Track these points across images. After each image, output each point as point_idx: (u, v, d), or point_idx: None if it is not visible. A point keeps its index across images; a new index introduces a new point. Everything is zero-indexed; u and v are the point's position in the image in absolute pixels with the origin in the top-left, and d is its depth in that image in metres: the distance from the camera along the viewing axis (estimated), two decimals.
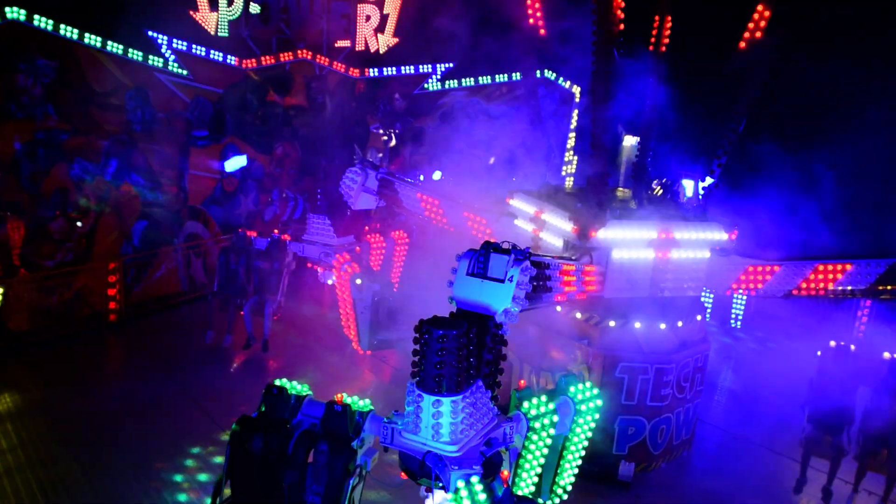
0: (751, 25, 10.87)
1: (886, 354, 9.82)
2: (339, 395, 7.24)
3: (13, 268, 13.69)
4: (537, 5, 11.27)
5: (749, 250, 11.26)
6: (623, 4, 10.01)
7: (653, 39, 11.94)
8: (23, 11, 13.15)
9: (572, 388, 7.58)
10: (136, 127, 15.50)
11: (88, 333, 14.58)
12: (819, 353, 10.23)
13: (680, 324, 10.42)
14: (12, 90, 13.30)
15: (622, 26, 10.07)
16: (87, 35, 14.22)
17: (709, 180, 11.28)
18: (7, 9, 12.93)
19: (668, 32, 11.34)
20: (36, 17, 13.37)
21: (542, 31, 11.40)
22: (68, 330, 14.38)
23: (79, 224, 14.64)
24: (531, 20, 11.37)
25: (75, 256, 14.70)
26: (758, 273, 10.92)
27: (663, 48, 11.20)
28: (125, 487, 9.59)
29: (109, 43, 14.65)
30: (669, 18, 11.32)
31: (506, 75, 22.35)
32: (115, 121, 15.08)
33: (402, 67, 21.10)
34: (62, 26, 13.81)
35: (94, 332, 14.65)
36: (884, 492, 9.92)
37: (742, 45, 10.95)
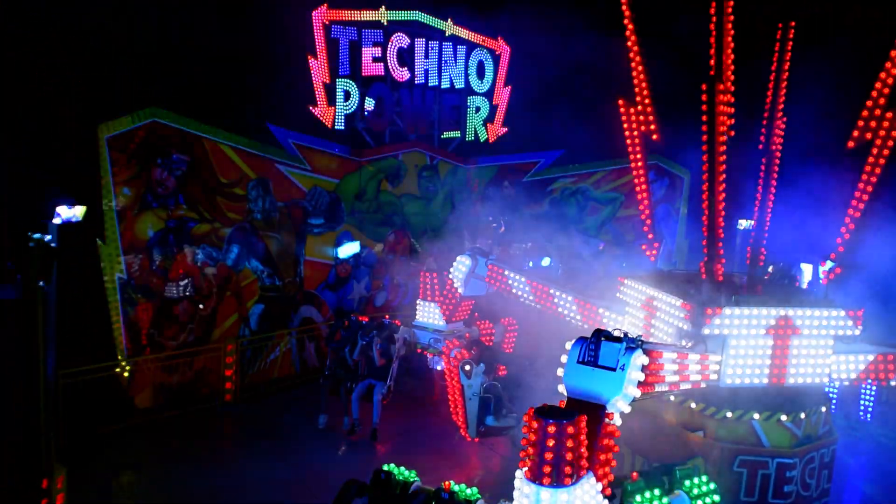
0: (874, 93, 10.48)
1: None
2: (446, 483, 7.23)
3: (141, 347, 14.48)
4: (652, 120, 11.39)
5: (879, 336, 10.64)
6: (733, 88, 9.98)
7: (764, 122, 11.81)
8: (163, 112, 14.42)
9: (687, 482, 7.28)
10: (256, 215, 16.36)
11: (205, 412, 15.12)
12: None
13: (803, 415, 9.89)
14: (150, 183, 14.41)
15: (732, 109, 10.01)
16: (216, 130, 15.34)
17: (829, 263, 10.83)
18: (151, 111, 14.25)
19: (783, 119, 11.19)
20: (174, 116, 14.58)
21: (656, 137, 11.49)
22: (186, 408, 14.96)
23: (201, 307, 15.40)
24: (646, 129, 11.49)
25: (197, 338, 15.42)
26: (889, 361, 10.30)
27: (778, 136, 11.03)
28: None
29: (235, 137, 15.72)
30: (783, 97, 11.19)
31: (612, 162, 22.37)
32: (237, 209, 15.98)
33: (511, 156, 21.51)
34: (195, 123, 14.97)
35: (210, 412, 15.19)
36: None
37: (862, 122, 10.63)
